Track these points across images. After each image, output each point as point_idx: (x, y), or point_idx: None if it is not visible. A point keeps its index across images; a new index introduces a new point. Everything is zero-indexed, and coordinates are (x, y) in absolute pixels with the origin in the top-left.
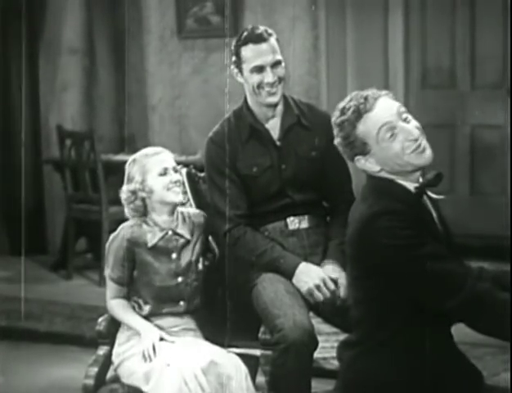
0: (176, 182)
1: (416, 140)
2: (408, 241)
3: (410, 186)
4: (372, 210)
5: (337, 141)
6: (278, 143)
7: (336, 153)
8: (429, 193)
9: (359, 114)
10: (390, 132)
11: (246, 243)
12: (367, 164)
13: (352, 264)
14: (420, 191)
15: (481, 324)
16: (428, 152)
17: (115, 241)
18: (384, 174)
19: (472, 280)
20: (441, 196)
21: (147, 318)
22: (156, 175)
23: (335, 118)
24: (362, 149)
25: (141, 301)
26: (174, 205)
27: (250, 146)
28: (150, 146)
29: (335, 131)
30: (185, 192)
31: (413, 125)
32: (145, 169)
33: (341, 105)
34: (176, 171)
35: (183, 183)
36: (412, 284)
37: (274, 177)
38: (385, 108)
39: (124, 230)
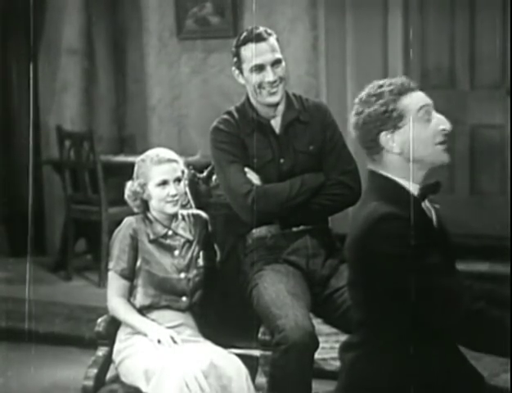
0: (174, 195)
1: (447, 135)
2: (412, 250)
3: (414, 188)
4: (376, 215)
5: (367, 111)
6: (279, 137)
7: (333, 142)
8: (428, 202)
9: (404, 89)
10: (428, 115)
11: (272, 190)
12: (389, 143)
13: (353, 267)
14: (423, 193)
15: (478, 343)
16: (448, 155)
17: (120, 232)
18: (388, 174)
19: (468, 299)
20: (438, 206)
21: (141, 311)
22: (155, 185)
23: (372, 90)
24: (394, 123)
25: (138, 293)
26: (171, 215)
27: (253, 138)
28: (154, 148)
29: (367, 103)
30: (185, 193)
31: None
32: (147, 174)
33: (382, 81)
34: (179, 181)
35: (185, 192)
36: (411, 296)
37: (273, 171)
38: (425, 95)
39: (128, 221)
